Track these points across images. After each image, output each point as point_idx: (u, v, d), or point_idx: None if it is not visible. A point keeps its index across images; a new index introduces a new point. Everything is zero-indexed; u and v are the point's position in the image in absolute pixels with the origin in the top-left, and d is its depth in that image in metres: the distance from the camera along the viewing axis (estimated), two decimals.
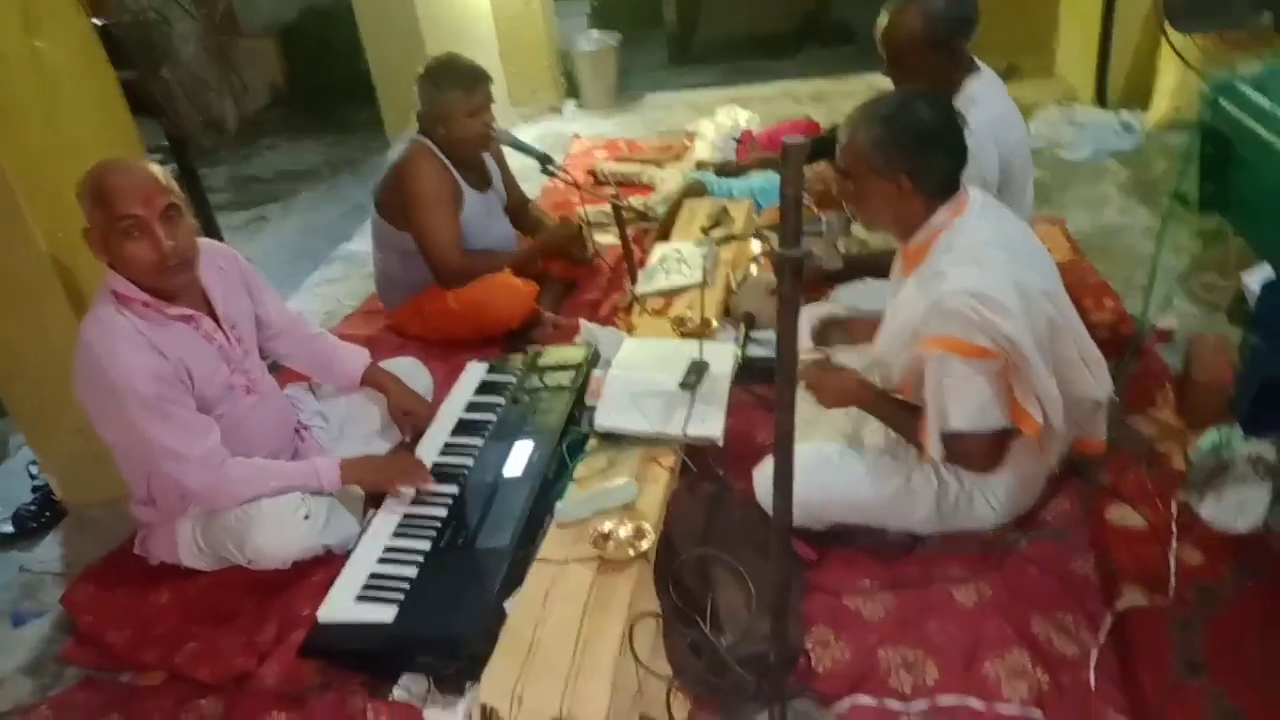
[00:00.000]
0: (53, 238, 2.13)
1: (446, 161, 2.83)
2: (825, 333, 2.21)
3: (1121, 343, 2.51)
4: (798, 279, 1.15)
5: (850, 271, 2.48)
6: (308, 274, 3.87)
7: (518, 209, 3.21)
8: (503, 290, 2.88)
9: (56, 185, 2.05)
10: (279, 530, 1.93)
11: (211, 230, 3.34)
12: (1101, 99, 4.33)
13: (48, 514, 2.49)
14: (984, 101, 2.32)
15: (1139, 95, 4.13)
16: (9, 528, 2.47)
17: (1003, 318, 1.62)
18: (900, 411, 1.87)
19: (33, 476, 2.61)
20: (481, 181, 2.97)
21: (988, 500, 1.88)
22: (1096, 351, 1.84)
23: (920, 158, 1.71)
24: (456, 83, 2.74)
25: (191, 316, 1.91)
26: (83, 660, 1.96)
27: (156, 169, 1.82)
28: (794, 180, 1.10)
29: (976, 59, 2.43)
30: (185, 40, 2.58)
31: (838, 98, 5.16)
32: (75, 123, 2.21)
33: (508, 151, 3.03)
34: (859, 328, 2.14)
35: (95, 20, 2.32)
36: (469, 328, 2.89)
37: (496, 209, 3.07)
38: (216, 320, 1.98)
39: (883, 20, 2.33)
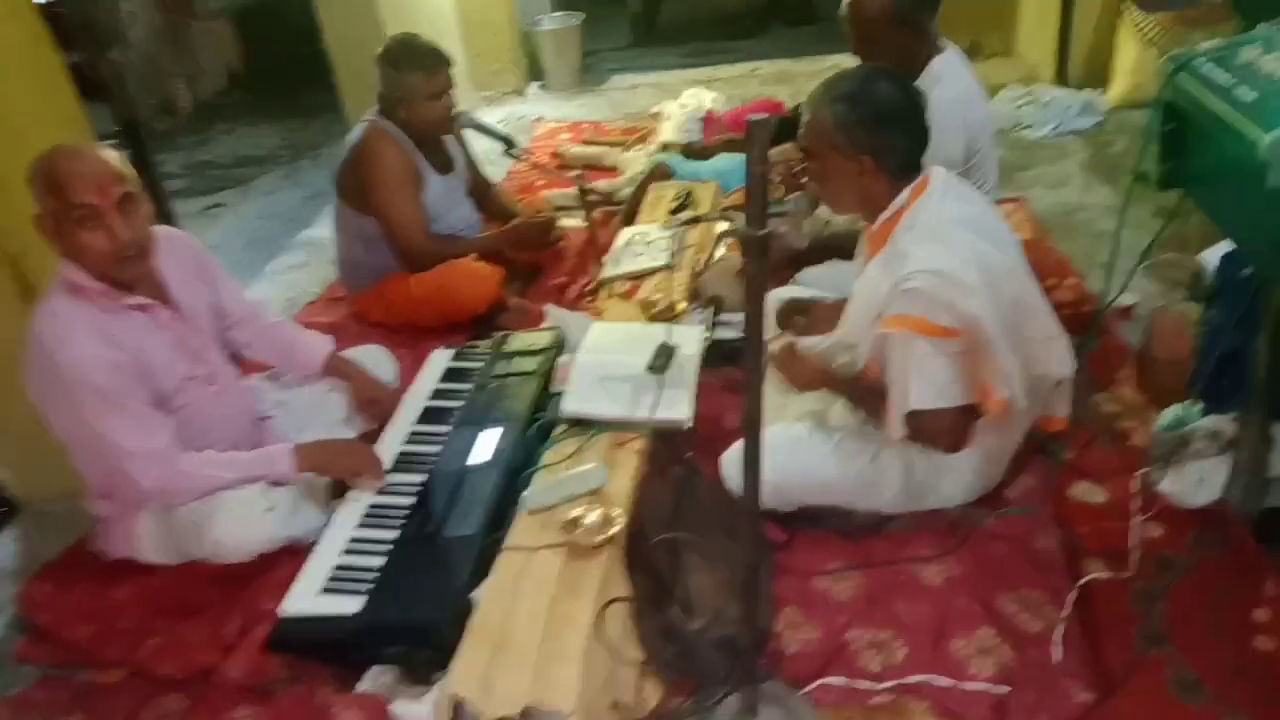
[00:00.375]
0: None
1: (408, 144, 2.78)
2: (788, 317, 2.21)
3: (1083, 320, 2.53)
4: (765, 259, 1.14)
5: (815, 253, 2.48)
6: (267, 261, 3.80)
7: (481, 193, 3.17)
8: (467, 275, 2.85)
9: (2, 170, 1.98)
10: (241, 523, 1.89)
11: (167, 217, 3.26)
12: (1062, 78, 4.36)
13: (2, 509, 2.42)
14: (949, 79, 2.32)
15: (1099, 74, 4.17)
16: None
17: (965, 296, 1.63)
18: (867, 393, 1.87)
19: None
20: (444, 164, 2.93)
21: (954, 479, 1.89)
22: (1058, 329, 1.85)
23: (882, 137, 1.70)
24: (417, 65, 2.69)
25: (148, 306, 1.86)
26: (40, 658, 1.91)
27: (112, 155, 1.77)
28: (759, 159, 1.08)
29: (942, 37, 2.44)
30: (135, 21, 2.51)
31: (803, 78, 5.15)
32: (18, 106, 2.13)
33: (471, 134, 2.99)
34: (822, 313, 2.14)
35: (39, 0, 2.24)
36: (434, 313, 2.86)
37: (459, 192, 3.03)
38: (173, 309, 1.93)
39: None
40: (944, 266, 1.64)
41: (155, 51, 2.68)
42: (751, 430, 1.26)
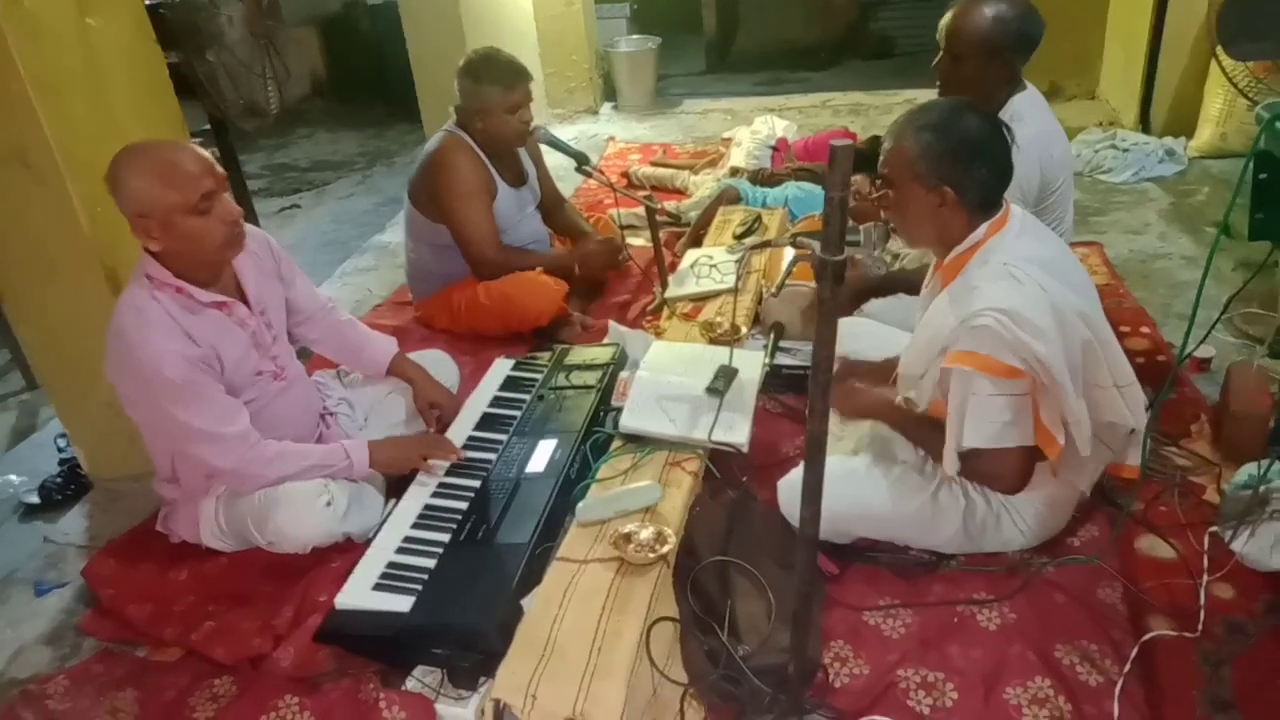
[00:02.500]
0: (92, 213, 2.15)
1: (481, 155, 2.84)
2: (841, 379, 2.17)
3: (1157, 370, 2.48)
4: (839, 284, 1.14)
5: (885, 287, 2.46)
6: (338, 263, 3.90)
7: (553, 208, 3.22)
8: (533, 287, 2.88)
9: (100, 162, 2.04)
10: (300, 515, 1.93)
11: (250, 215, 3.37)
12: (1145, 124, 4.28)
13: (73, 487, 2.51)
14: (1030, 117, 2.29)
15: (1183, 122, 4.08)
16: (35, 498, 2.49)
17: (1035, 338, 1.60)
18: (922, 426, 1.84)
19: (60, 449, 2.63)
20: (516, 178, 2.98)
21: (1015, 522, 1.85)
22: (1132, 377, 1.80)
23: (966, 170, 1.68)
24: (496, 78, 2.75)
25: (225, 303, 1.92)
26: (101, 632, 1.97)
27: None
28: (839, 184, 1.08)
29: (1024, 78, 2.42)
30: (231, 24, 2.61)
31: (875, 111, 5.14)
32: (121, 101, 2.23)
33: (545, 149, 3.03)
34: (874, 374, 2.10)
35: (147, 1, 2.34)
36: (497, 322, 2.90)
37: (529, 205, 3.08)
38: (249, 306, 1.99)
39: (951, 12, 2.30)
40: (1015, 306, 1.61)
41: (247, 55, 2.78)
42: (814, 457, 1.25)
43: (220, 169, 1.83)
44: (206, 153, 1.82)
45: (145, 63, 2.33)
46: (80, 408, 2.41)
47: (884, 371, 2.04)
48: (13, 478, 2.64)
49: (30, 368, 3.20)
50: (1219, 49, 2.70)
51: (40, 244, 2.17)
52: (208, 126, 3.06)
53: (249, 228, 2.11)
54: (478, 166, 2.83)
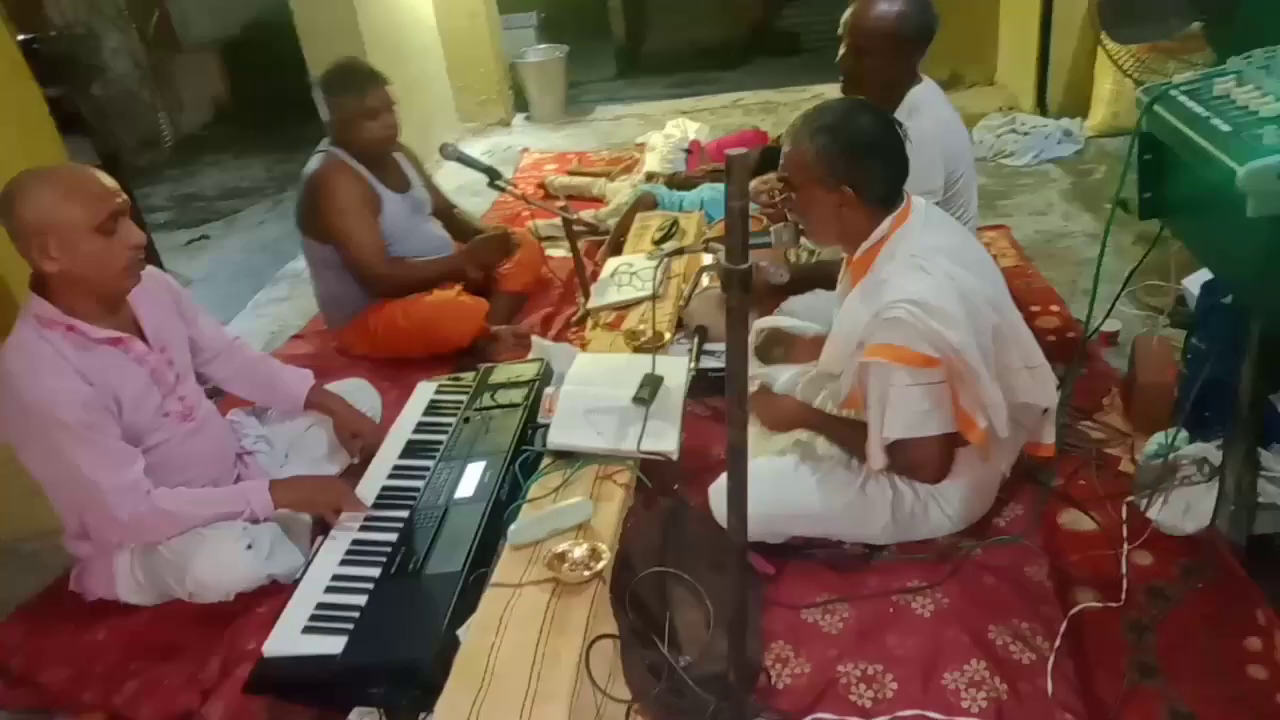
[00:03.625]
0: None
1: (359, 167, 2.80)
2: (767, 349, 2.20)
3: (1069, 347, 2.55)
4: (745, 293, 1.13)
5: (800, 283, 2.48)
6: (252, 293, 3.79)
7: (444, 214, 3.19)
8: (452, 308, 2.85)
9: None
10: (221, 561, 1.86)
11: (149, 250, 3.24)
12: (1042, 107, 4.42)
13: None
14: (926, 109, 2.34)
15: (1078, 102, 4.23)
16: None
17: (947, 326, 1.63)
18: (845, 429, 1.87)
19: None
20: (399, 184, 2.95)
21: (942, 508, 1.88)
22: (1042, 358, 1.85)
23: (863, 168, 1.71)
24: (348, 88, 2.74)
25: (120, 339, 1.84)
26: (14, 704, 1.87)
27: None
28: (739, 193, 1.08)
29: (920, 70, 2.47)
30: (116, 55, 2.51)
31: (786, 108, 5.20)
32: None
33: (456, 166, 2.98)
34: (801, 345, 2.14)
35: (20, 36, 2.24)
36: (418, 345, 2.85)
37: (422, 209, 3.04)
38: (147, 343, 1.91)
39: (853, 7, 2.32)
40: (924, 296, 1.64)
41: (138, 86, 2.67)
42: (736, 464, 1.25)
43: (124, 196, 1.77)
44: (112, 179, 1.76)
45: (21, 100, 2.22)
46: None
47: (812, 343, 2.05)
48: None
49: None
50: (1103, 33, 2.81)
51: None
52: (99, 163, 2.95)
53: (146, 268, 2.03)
54: (355, 181, 2.80)
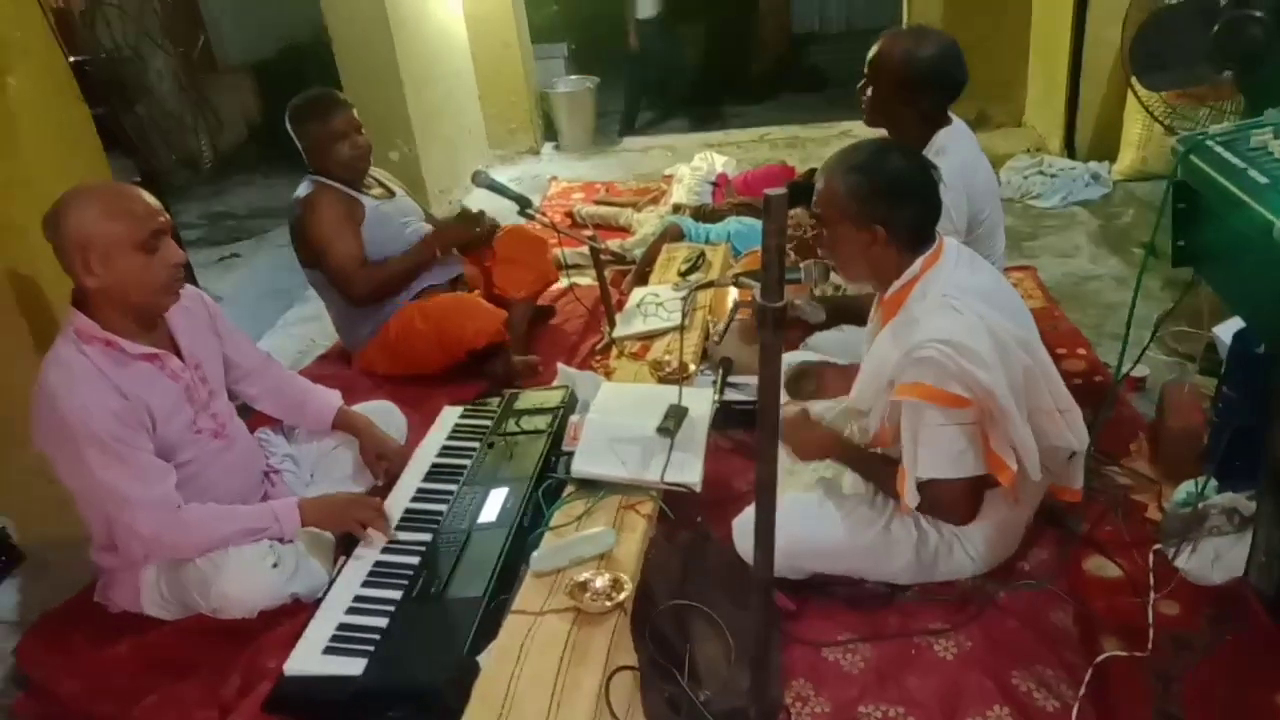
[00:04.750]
0: (14, 272, 2.08)
1: (339, 186, 2.88)
2: (797, 384, 2.20)
3: (1095, 390, 2.54)
4: (780, 330, 1.14)
5: (831, 320, 2.49)
6: (281, 312, 3.83)
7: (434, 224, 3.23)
8: (469, 304, 2.90)
9: (20, 221, 2.01)
10: (246, 578, 1.87)
11: (187, 268, 3.30)
12: (1070, 149, 4.43)
13: (3, 558, 2.40)
14: (953, 150, 2.36)
15: (1106, 146, 4.23)
16: None
17: (978, 366, 1.63)
18: (876, 464, 1.86)
19: None
20: (383, 194, 3.02)
21: (966, 550, 1.87)
22: (1071, 400, 1.85)
23: (895, 208, 1.72)
24: (311, 115, 2.84)
25: (156, 355, 1.87)
26: (35, 714, 1.87)
27: None
28: (776, 231, 1.09)
29: (950, 112, 2.48)
30: (160, 76, 2.57)
31: (813, 143, 5.24)
32: (41, 159, 2.17)
33: (485, 194, 3.01)
34: (831, 379, 2.14)
35: (71, 58, 2.30)
36: (435, 346, 2.87)
37: (411, 215, 3.08)
38: (182, 359, 1.94)
39: (877, 44, 2.36)
40: (956, 336, 1.64)
41: (178, 107, 2.74)
42: (765, 499, 1.25)
43: (166, 215, 1.81)
44: (154, 198, 1.80)
45: (69, 120, 2.28)
46: (6, 475, 2.31)
47: (841, 376, 2.05)
48: None
49: None
50: (1133, 79, 2.83)
51: None
52: (138, 179, 3.00)
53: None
54: (335, 199, 2.86)
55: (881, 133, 2.51)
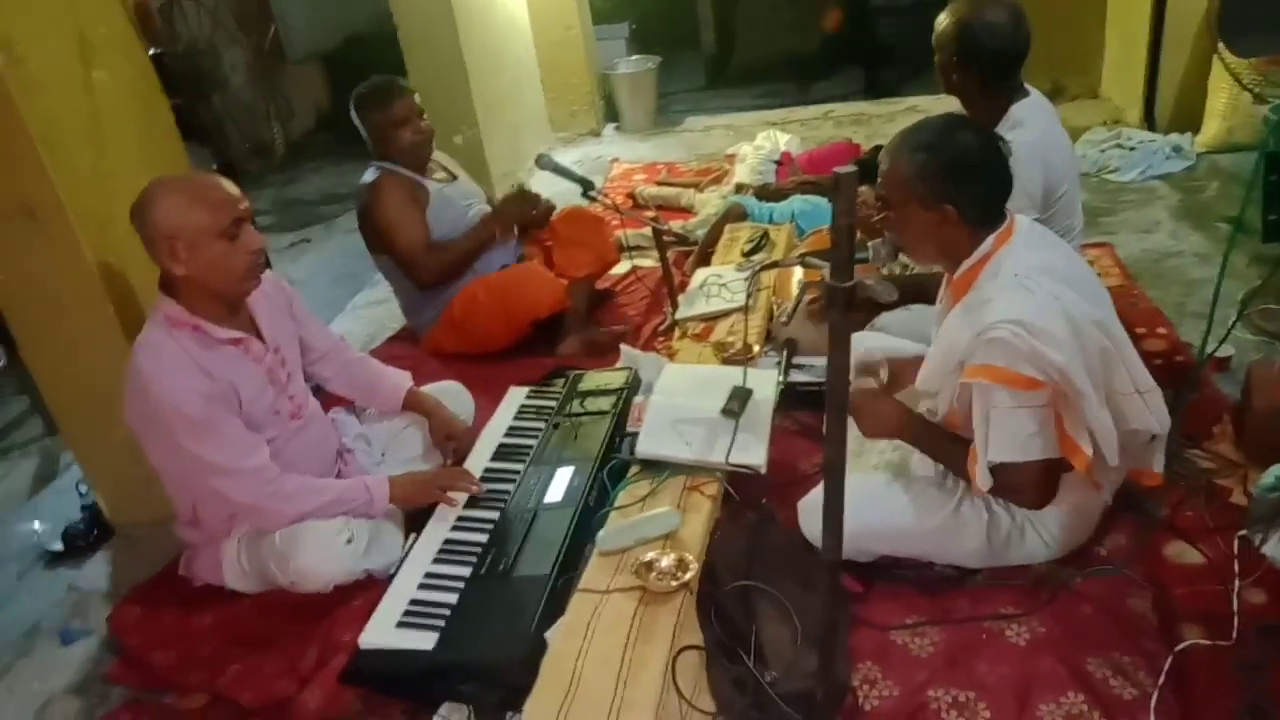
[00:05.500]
0: (102, 259, 2.17)
1: (404, 172, 2.93)
2: (860, 378, 2.16)
3: (1176, 371, 2.45)
4: (849, 310, 1.13)
5: (900, 298, 2.44)
6: (350, 296, 3.92)
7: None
8: (531, 276, 2.94)
9: (108, 211, 2.09)
10: (322, 553, 1.93)
11: None
12: (1149, 121, 4.26)
13: (95, 532, 2.52)
14: (1030, 123, 2.29)
15: (1188, 117, 4.05)
16: (58, 545, 2.51)
17: (1052, 348, 1.58)
18: (946, 443, 1.83)
19: (81, 495, 2.64)
20: (446, 177, 3.08)
21: (1040, 534, 1.83)
22: (1151, 382, 1.79)
23: (964, 186, 1.68)
24: (373, 103, 2.89)
25: (240, 339, 1.94)
26: (128, 681, 1.97)
27: None
28: (846, 210, 1.08)
29: (1025, 84, 2.41)
30: (234, 68, 2.64)
31: (878, 120, 5.14)
32: (126, 150, 2.26)
33: (549, 176, 3.03)
34: (898, 370, 2.09)
35: (151, 50, 2.37)
36: (498, 318, 2.92)
37: (474, 199, 3.13)
38: (264, 343, 2.00)
39: (939, 21, 2.32)
40: (1028, 316, 1.60)
41: (251, 98, 2.81)
42: (833, 482, 1.24)
43: (247, 203, 1.87)
44: (234, 186, 1.86)
45: (151, 111, 2.36)
46: (98, 454, 2.42)
47: (908, 367, 2.02)
48: (36, 525, 2.66)
49: (50, 414, 3.23)
50: (1220, 45, 2.69)
51: (52, 293, 2.19)
52: (215, 167, 3.10)
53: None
54: (399, 184, 2.92)
55: (954, 104, 2.46)
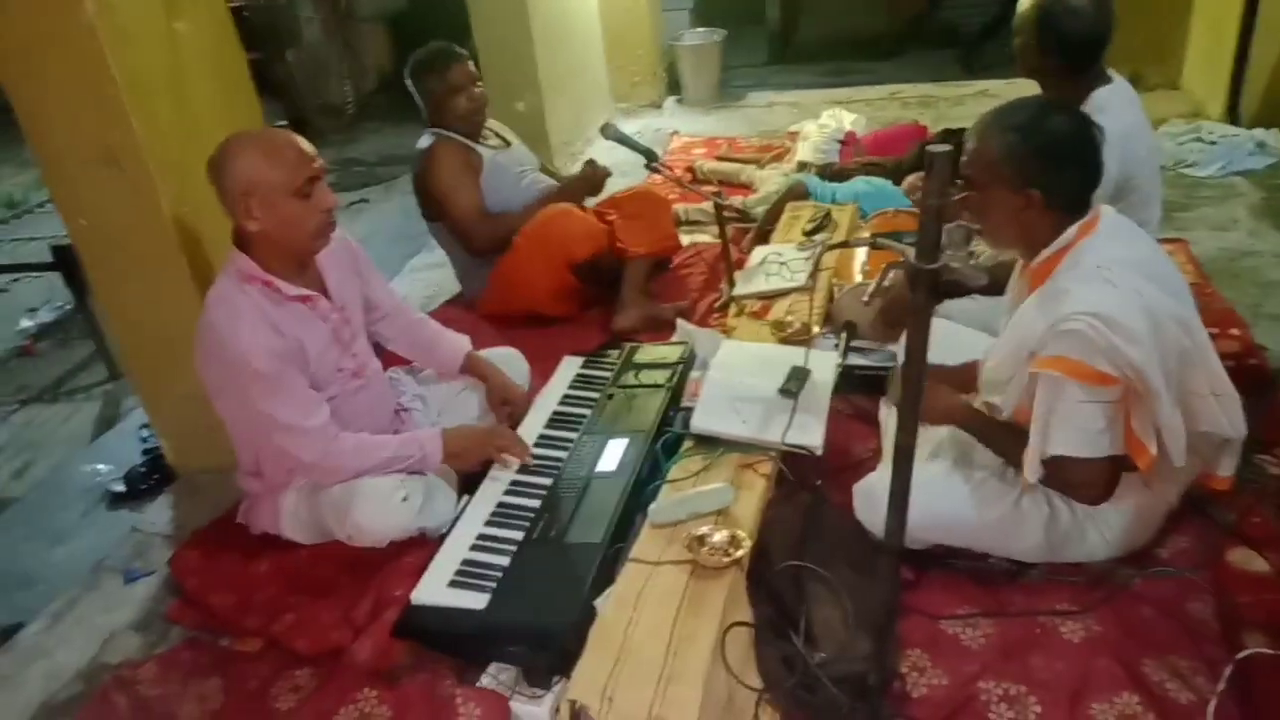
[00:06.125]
0: (178, 210, 2.21)
1: (459, 138, 2.95)
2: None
3: (1248, 374, 2.37)
4: (933, 294, 1.11)
5: (989, 284, 2.40)
6: (408, 258, 3.95)
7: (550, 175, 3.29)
8: (565, 216, 2.92)
9: (185, 161, 2.12)
10: (378, 509, 1.96)
11: None
12: (1233, 115, 4.11)
13: (157, 476, 2.59)
14: (1113, 111, 2.22)
15: (1275, 112, 3.90)
16: (120, 487, 2.58)
17: (1129, 344, 1.54)
18: (1004, 434, 1.79)
19: (144, 440, 2.72)
20: (499, 144, 3.09)
21: (1101, 533, 1.79)
22: (1229, 385, 1.73)
23: (1054, 172, 1.63)
24: (429, 69, 2.91)
25: (309, 297, 1.96)
26: (188, 621, 2.03)
27: None
28: (938, 191, 1.05)
29: (1109, 70, 2.35)
30: (310, 24, 2.66)
31: (945, 103, 5.03)
32: (206, 102, 2.29)
33: (611, 145, 3.00)
34: (951, 379, 2.04)
35: (231, 3, 2.40)
36: (537, 263, 2.91)
37: (528, 165, 3.15)
38: (331, 301, 2.02)
39: (1021, 3, 2.29)
40: (1108, 310, 1.56)
41: (325, 55, 2.83)
42: (903, 467, 1.23)
43: (321, 161, 1.89)
44: (309, 144, 1.88)
45: (229, 65, 2.39)
46: (164, 400, 2.48)
47: (962, 376, 1.99)
48: (100, 466, 2.74)
49: (114, 359, 3.32)
50: None
51: (128, 240, 2.24)
52: (284, 123, 3.14)
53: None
54: (455, 150, 2.94)
55: (1028, 88, 2.40)
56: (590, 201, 3.20)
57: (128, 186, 2.15)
